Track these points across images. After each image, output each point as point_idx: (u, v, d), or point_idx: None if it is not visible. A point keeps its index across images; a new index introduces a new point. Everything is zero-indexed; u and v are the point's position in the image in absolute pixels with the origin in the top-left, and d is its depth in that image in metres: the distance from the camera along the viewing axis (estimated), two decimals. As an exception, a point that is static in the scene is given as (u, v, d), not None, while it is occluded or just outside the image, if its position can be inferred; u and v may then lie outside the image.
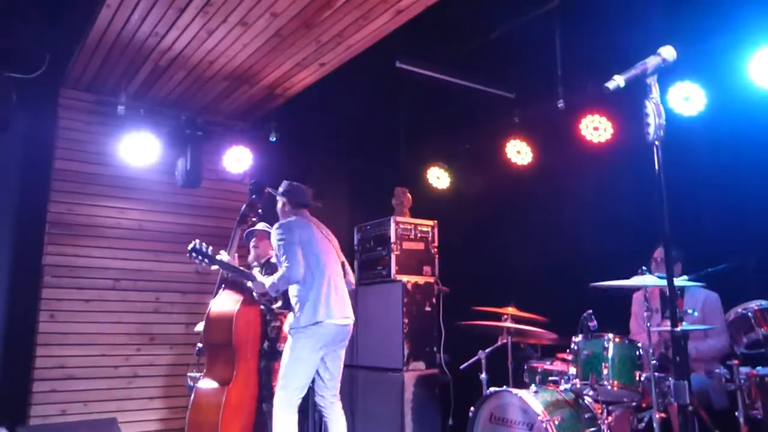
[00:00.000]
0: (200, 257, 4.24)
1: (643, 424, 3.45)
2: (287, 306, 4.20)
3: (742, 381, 3.22)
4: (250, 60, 4.78)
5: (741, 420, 3.18)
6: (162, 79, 5.13)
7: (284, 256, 3.87)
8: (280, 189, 4.21)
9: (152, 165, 5.34)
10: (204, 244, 4.27)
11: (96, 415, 4.94)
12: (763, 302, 3.33)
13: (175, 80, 5.14)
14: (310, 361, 3.81)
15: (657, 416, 3.21)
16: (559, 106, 4.93)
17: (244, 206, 4.66)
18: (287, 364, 3.81)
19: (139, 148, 5.15)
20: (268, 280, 3.97)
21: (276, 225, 4.01)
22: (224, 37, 4.43)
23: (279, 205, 4.21)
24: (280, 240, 3.92)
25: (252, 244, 4.61)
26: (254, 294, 4.25)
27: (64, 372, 4.97)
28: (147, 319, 5.40)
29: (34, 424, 4.72)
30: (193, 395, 4.32)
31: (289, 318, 4.01)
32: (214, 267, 4.32)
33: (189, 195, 5.68)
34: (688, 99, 4.20)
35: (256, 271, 4.40)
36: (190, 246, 4.24)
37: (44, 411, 4.84)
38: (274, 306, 4.36)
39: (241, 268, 4.38)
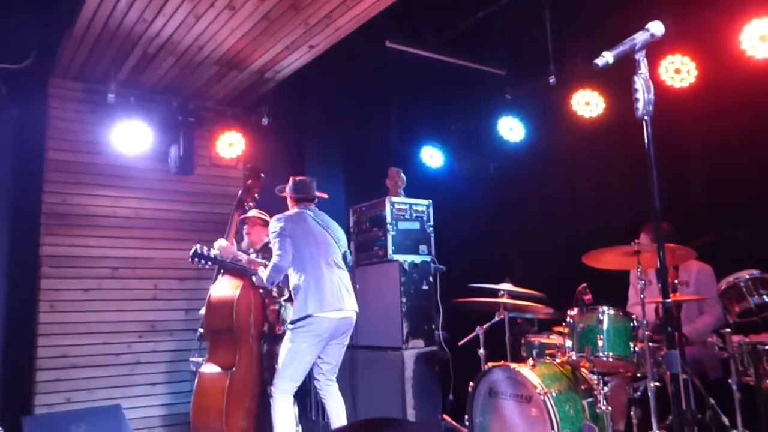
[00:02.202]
0: (203, 260, 4.30)
1: (639, 393, 3.52)
2: (288, 299, 4.28)
3: (735, 349, 3.28)
4: (239, 44, 4.75)
5: (734, 387, 3.26)
6: (151, 66, 5.10)
7: (275, 246, 3.97)
8: (287, 187, 4.29)
9: (145, 153, 5.32)
10: (205, 247, 4.33)
11: (100, 402, 4.99)
12: (755, 272, 3.38)
13: (164, 67, 5.11)
14: (306, 355, 3.90)
15: (652, 385, 3.27)
16: (551, 82, 4.92)
17: (240, 191, 4.66)
18: (285, 356, 3.91)
19: (131, 136, 5.13)
20: (264, 273, 4.05)
21: (274, 217, 4.11)
22: (212, 21, 4.40)
23: (288, 201, 4.32)
24: (272, 231, 4.04)
25: (245, 230, 4.64)
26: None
27: (67, 361, 5.01)
28: (147, 306, 5.44)
29: (40, 413, 4.77)
30: (196, 380, 4.37)
31: (290, 307, 4.12)
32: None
33: (183, 182, 5.68)
34: (679, 72, 4.21)
35: (253, 258, 4.41)
36: (192, 251, 4.29)
37: (49, 400, 4.89)
38: (282, 298, 4.42)
39: (248, 259, 4.40)
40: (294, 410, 4.13)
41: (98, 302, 5.21)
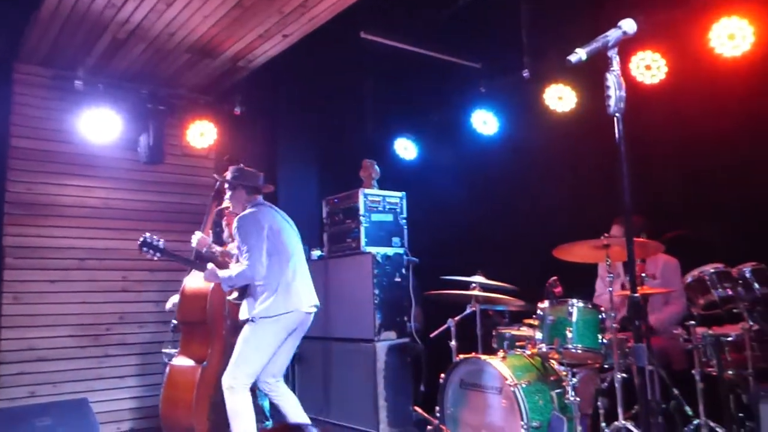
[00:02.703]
0: (151, 251, 4.11)
1: (606, 384, 3.59)
2: (242, 297, 4.09)
3: (699, 341, 3.36)
4: (212, 31, 4.68)
5: (697, 378, 3.34)
6: (121, 53, 4.99)
7: (247, 253, 3.78)
8: (230, 175, 4.06)
9: (114, 141, 5.23)
10: (154, 237, 4.15)
11: (66, 396, 4.91)
12: (719, 266, 3.47)
13: (134, 53, 5.00)
14: (273, 347, 3.83)
15: (619, 376, 3.34)
16: (524, 76, 4.95)
17: (217, 183, 4.62)
18: (248, 349, 3.78)
19: (99, 124, 5.03)
20: (224, 273, 3.88)
21: (240, 216, 3.90)
22: (184, 8, 4.32)
23: (231, 192, 4.08)
24: (245, 233, 3.80)
25: (224, 222, 4.57)
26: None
27: (31, 354, 4.91)
28: (115, 298, 5.35)
29: (3, 407, 4.67)
30: (167, 372, 4.32)
31: (246, 306, 3.93)
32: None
33: (153, 171, 5.59)
34: (649, 68, 4.27)
35: (233, 246, 4.31)
36: (140, 240, 4.12)
37: (12, 394, 4.79)
38: (230, 297, 4.22)
39: (223, 251, 4.29)
40: (266, 403, 4.10)
41: (64, 294, 5.11)
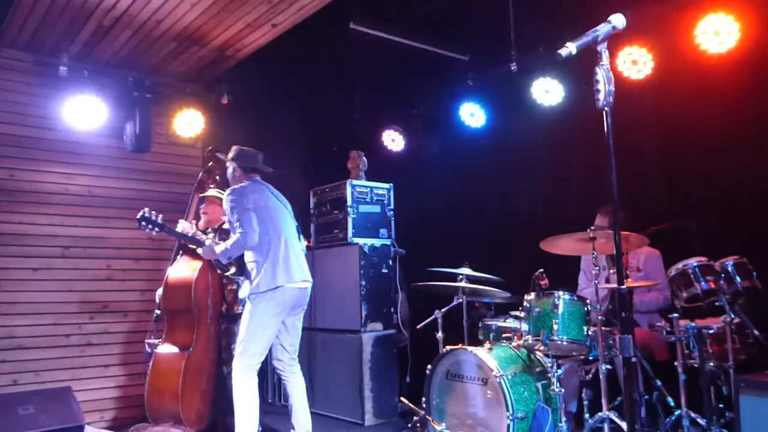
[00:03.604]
0: (150, 225, 4.14)
1: (590, 376, 3.64)
2: (241, 272, 4.18)
3: (682, 333, 3.42)
4: (200, 20, 4.63)
5: (680, 369, 3.40)
6: (107, 39, 4.92)
7: (238, 222, 3.80)
8: (231, 154, 4.12)
9: (99, 129, 5.17)
10: (153, 212, 4.17)
11: (49, 384, 4.87)
12: (703, 259, 3.52)
13: (120, 40, 4.94)
14: (270, 325, 3.81)
15: (603, 368, 3.39)
16: (512, 69, 4.97)
17: (201, 173, 4.60)
18: (247, 329, 3.78)
19: (84, 111, 4.97)
20: (219, 247, 3.91)
21: (228, 190, 3.92)
22: (172, -5, 4.27)
23: (229, 170, 4.12)
24: (233, 205, 3.83)
25: (202, 210, 4.56)
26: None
27: (13, 342, 4.86)
28: (99, 287, 5.30)
29: (-16, 396, 4.62)
30: (152, 361, 4.31)
31: (246, 284, 4.00)
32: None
33: (139, 160, 5.53)
34: (636, 63, 4.30)
35: (209, 237, 4.35)
36: (139, 215, 4.14)
37: (-5, 382, 4.74)
38: (228, 273, 4.34)
39: (193, 234, 4.32)
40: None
41: (47, 282, 5.06)
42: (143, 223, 4.13)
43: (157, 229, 4.15)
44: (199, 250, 4.13)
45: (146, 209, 4.17)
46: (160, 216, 4.19)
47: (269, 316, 3.80)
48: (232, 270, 4.30)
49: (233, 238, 3.83)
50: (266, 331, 3.80)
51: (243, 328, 3.82)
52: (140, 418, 4.50)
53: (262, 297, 3.78)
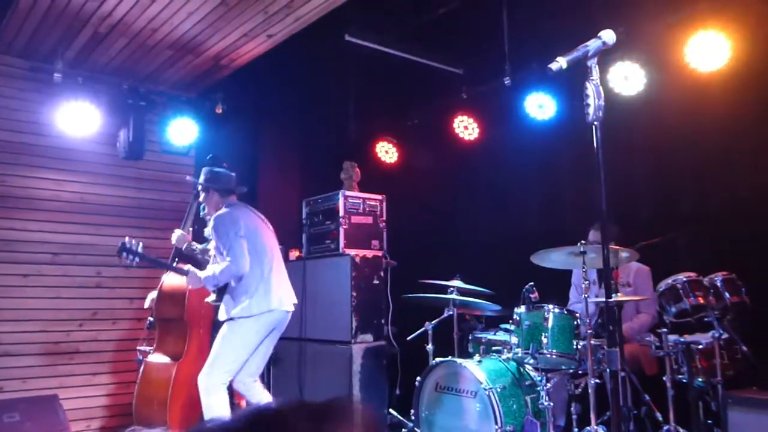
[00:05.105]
0: (131, 256, 3.90)
1: (580, 390, 3.63)
2: (221, 299, 4.03)
3: (670, 348, 3.43)
4: (195, 29, 4.65)
5: (668, 384, 3.40)
6: (102, 46, 4.93)
7: (227, 250, 3.75)
8: (203, 177, 4.04)
9: (92, 135, 5.16)
10: (134, 240, 3.96)
11: (36, 392, 4.82)
12: (692, 274, 3.54)
13: (115, 48, 4.95)
14: (252, 346, 3.80)
15: (592, 382, 3.39)
16: (506, 83, 5.00)
17: (197, 182, 4.57)
18: (226, 348, 3.74)
19: (77, 118, 4.96)
20: (206, 272, 3.82)
21: (216, 215, 3.87)
22: (168, 4, 4.28)
23: (204, 195, 4.05)
24: (223, 231, 3.77)
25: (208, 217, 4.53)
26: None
27: (0, 348, 4.82)
28: (89, 294, 5.27)
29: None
30: (142, 369, 4.28)
31: (224, 307, 3.88)
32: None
33: (132, 167, 5.52)
34: (627, 79, 4.34)
35: (211, 245, 4.29)
36: (119, 245, 3.91)
37: (-20, 389, 4.69)
38: (207, 300, 4.14)
39: (203, 249, 4.25)
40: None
41: (37, 288, 5.02)
42: (124, 253, 3.90)
43: (138, 259, 3.93)
44: (188, 279, 3.98)
45: (127, 238, 3.96)
46: (141, 244, 3.99)
47: (256, 338, 3.80)
48: (213, 297, 4.09)
49: (222, 265, 3.75)
50: (249, 351, 3.79)
51: (220, 345, 3.76)
52: (128, 428, 4.46)
53: (256, 319, 3.76)
